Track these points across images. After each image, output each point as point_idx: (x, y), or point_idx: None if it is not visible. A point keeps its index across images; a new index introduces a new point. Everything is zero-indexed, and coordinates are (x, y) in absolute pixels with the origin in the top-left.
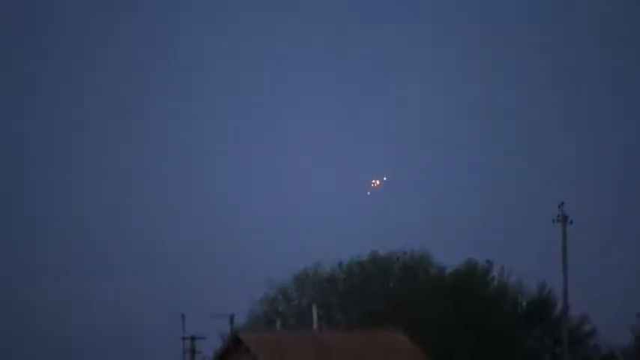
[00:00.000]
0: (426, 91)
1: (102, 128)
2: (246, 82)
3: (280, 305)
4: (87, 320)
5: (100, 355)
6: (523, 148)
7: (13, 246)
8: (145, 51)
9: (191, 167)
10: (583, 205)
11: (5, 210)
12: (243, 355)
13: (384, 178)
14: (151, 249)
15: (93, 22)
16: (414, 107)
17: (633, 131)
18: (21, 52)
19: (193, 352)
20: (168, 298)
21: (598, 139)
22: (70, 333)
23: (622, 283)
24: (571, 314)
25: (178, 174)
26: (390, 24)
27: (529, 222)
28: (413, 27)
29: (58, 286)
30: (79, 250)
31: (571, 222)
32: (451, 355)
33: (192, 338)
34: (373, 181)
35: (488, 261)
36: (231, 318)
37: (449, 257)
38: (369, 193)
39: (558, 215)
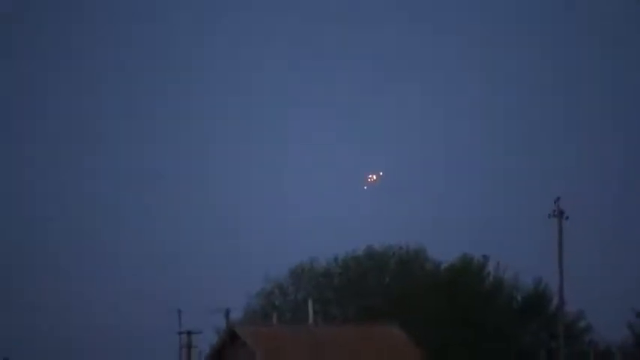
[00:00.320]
0: (426, 91)
1: (102, 128)
2: (247, 82)
3: (276, 299)
4: (87, 320)
5: (99, 354)
6: (522, 147)
7: (13, 246)
8: (145, 51)
9: (191, 167)
10: (581, 203)
11: (5, 210)
12: (239, 349)
13: (381, 173)
14: (150, 249)
15: (93, 22)
16: (413, 107)
17: (633, 131)
18: (21, 52)
19: (190, 346)
20: (168, 296)
21: (597, 138)
22: (69, 333)
23: (619, 280)
24: (567, 310)
25: (178, 174)
26: (390, 24)
27: (526, 219)
28: (413, 27)
29: (58, 286)
30: (79, 250)
31: (567, 217)
32: (446, 350)
33: (189, 333)
34: (370, 175)
35: (484, 256)
36: (227, 312)
37: (445, 253)
38: (365, 187)
39: (554, 210)
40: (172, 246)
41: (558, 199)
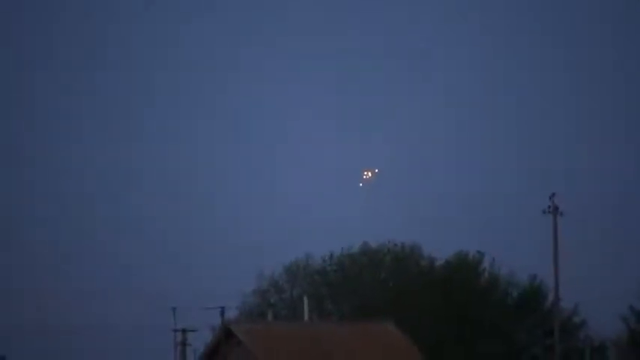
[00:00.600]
0: (427, 90)
1: (102, 128)
2: (247, 82)
3: (272, 297)
4: (87, 320)
5: (94, 353)
6: (518, 144)
7: (13, 246)
8: (145, 51)
9: (192, 167)
10: (578, 201)
11: (5, 210)
12: (234, 347)
13: (376, 170)
14: (151, 249)
15: (93, 22)
16: (413, 107)
17: (631, 131)
18: (21, 52)
19: (184, 344)
20: (163, 295)
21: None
22: (69, 332)
23: (615, 276)
24: (562, 306)
25: (179, 174)
26: (391, 23)
27: (523, 216)
28: (413, 26)
29: (58, 286)
30: (79, 250)
31: (561, 213)
32: (442, 347)
33: (184, 331)
34: (365, 172)
35: (479, 252)
36: (222, 310)
37: (440, 249)
38: (361, 184)
39: (549, 206)
40: (172, 245)
41: (553, 195)
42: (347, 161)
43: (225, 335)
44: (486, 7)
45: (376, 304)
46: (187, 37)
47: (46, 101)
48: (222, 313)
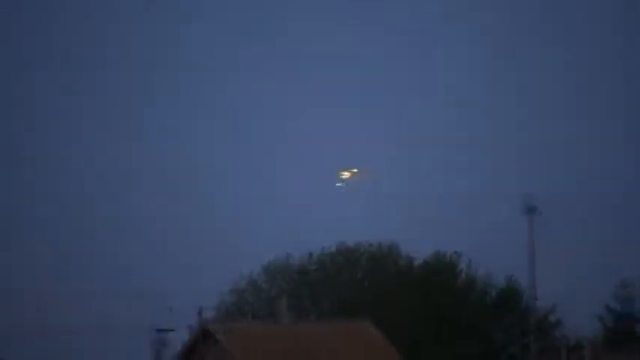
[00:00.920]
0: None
1: (102, 128)
2: (247, 82)
3: (250, 296)
4: (87, 320)
5: (99, 353)
6: (498, 144)
7: (13, 246)
8: (146, 51)
9: (192, 167)
10: (557, 200)
11: (5, 210)
12: (212, 347)
13: (355, 170)
14: (151, 249)
15: (93, 22)
16: (413, 106)
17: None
18: (21, 52)
19: (162, 344)
20: (167, 296)
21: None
22: (69, 332)
23: (590, 275)
24: (539, 305)
25: (179, 174)
26: (391, 23)
27: (500, 216)
28: (413, 26)
29: (58, 286)
30: (79, 250)
31: (540, 213)
32: (420, 347)
33: (161, 331)
34: (343, 173)
35: (456, 252)
36: (200, 310)
37: (418, 249)
38: (339, 185)
39: (527, 207)
40: (171, 245)
41: (529, 195)
42: (347, 161)
43: (203, 335)
44: (486, 7)
45: (354, 304)
46: (187, 37)
47: (46, 101)
48: (200, 314)
